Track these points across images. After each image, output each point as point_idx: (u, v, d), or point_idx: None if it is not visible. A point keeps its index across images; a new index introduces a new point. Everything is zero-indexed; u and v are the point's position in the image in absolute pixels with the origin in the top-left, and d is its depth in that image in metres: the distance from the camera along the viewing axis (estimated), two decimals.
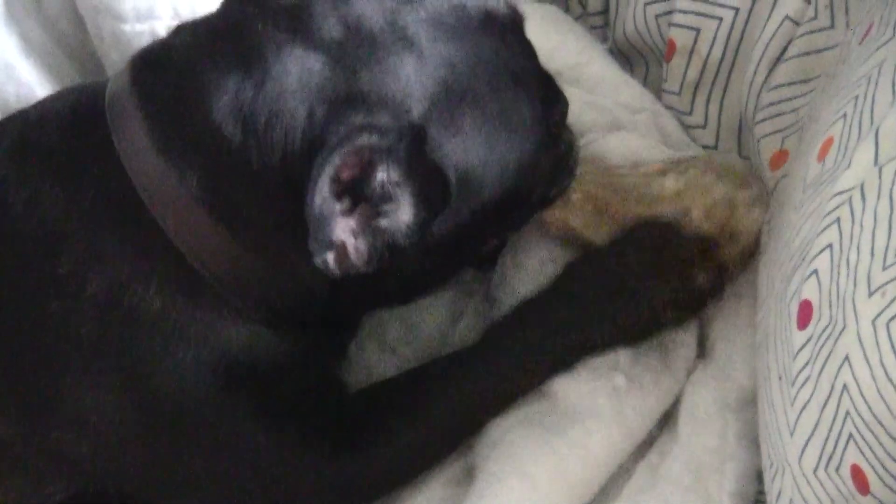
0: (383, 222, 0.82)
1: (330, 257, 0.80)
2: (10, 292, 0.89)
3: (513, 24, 0.92)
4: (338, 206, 0.79)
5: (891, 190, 0.74)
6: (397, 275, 0.90)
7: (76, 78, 1.18)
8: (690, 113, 1.17)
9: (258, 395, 0.92)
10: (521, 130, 0.89)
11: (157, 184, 0.85)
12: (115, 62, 1.14)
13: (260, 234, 0.86)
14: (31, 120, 0.93)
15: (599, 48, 1.25)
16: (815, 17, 1.02)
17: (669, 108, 1.20)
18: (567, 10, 1.31)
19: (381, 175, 0.80)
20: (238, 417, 0.91)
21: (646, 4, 1.17)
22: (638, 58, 1.25)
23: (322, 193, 0.77)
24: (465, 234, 0.90)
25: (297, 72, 0.82)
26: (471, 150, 0.85)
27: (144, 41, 1.08)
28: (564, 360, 1.01)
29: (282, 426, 0.93)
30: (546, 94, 0.93)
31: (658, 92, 1.22)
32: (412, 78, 0.83)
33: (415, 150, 0.81)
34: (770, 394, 0.85)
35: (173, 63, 0.87)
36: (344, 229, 0.80)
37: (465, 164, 0.85)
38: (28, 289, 0.88)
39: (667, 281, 1.01)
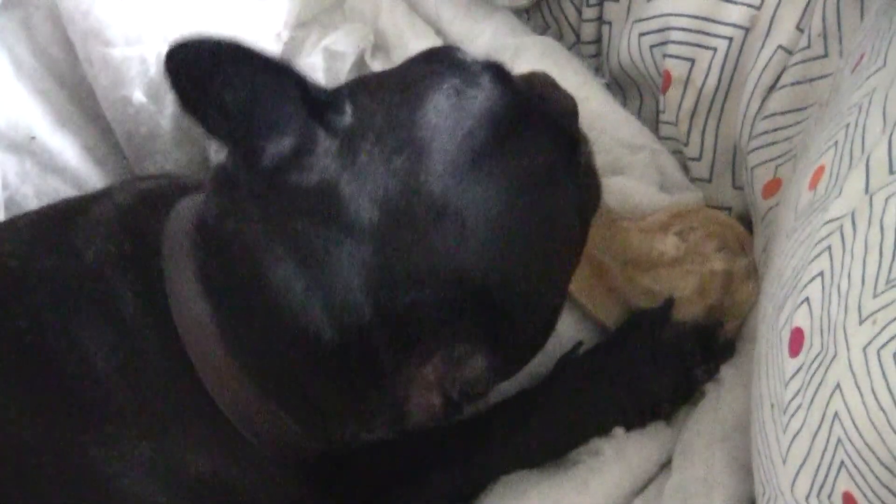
0: (459, 375, 0.83)
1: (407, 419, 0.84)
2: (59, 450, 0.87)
3: (520, 109, 0.92)
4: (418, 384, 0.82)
5: (881, 218, 0.75)
6: None
7: (66, 103, 1.19)
8: (687, 144, 1.18)
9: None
10: (566, 231, 0.92)
11: (217, 368, 0.86)
12: (105, 87, 1.14)
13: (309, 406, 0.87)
14: (86, 264, 0.90)
15: (598, 83, 1.25)
16: (809, 46, 1.03)
17: (668, 138, 1.20)
18: (561, 38, 1.31)
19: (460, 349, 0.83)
20: None
21: (640, 35, 1.17)
22: (633, 89, 1.25)
23: (416, 399, 0.82)
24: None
25: (350, 264, 0.82)
26: (532, 285, 0.87)
27: (134, 66, 1.09)
28: (559, 452, 1.05)
29: None
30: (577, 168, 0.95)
31: (654, 124, 1.22)
32: (458, 245, 0.83)
33: (484, 314, 0.83)
34: (762, 421, 0.85)
35: (229, 247, 0.86)
36: (420, 394, 0.83)
37: (531, 299, 0.88)
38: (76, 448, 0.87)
39: (666, 376, 1.04)
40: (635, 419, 1.04)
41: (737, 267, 1.07)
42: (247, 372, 0.85)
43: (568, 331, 1.09)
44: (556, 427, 1.04)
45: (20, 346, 0.87)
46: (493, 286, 0.84)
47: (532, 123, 0.91)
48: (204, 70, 0.80)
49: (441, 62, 0.92)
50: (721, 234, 1.07)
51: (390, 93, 0.88)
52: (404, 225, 0.82)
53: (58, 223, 0.95)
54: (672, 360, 1.04)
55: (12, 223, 1.01)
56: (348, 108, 0.86)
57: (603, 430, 1.04)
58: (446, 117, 0.86)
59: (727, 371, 1.06)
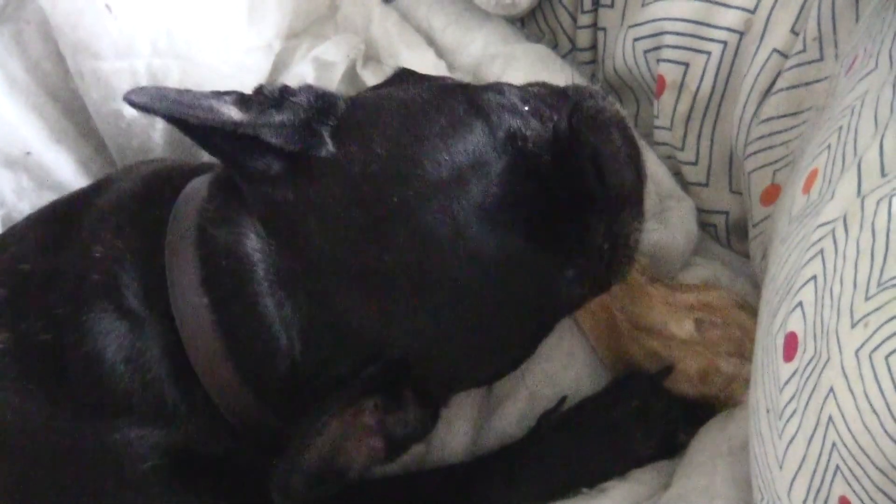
0: (391, 421, 0.87)
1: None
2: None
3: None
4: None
5: (873, 221, 0.74)
6: None
7: (59, 118, 1.19)
8: (682, 149, 1.17)
9: None
10: (536, 315, 0.91)
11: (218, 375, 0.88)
12: (96, 100, 1.15)
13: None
14: (96, 259, 0.92)
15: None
16: (804, 50, 1.02)
17: (662, 143, 1.20)
18: (556, 46, 1.31)
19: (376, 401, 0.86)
20: None
21: (634, 40, 1.17)
22: (628, 94, 1.25)
23: (320, 452, 0.83)
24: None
25: (289, 311, 0.86)
26: (465, 362, 0.90)
27: (124, 79, 1.09)
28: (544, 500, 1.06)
29: None
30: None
31: (649, 129, 1.22)
32: (384, 321, 0.85)
33: (404, 378, 0.86)
34: (759, 427, 0.85)
35: (223, 254, 0.88)
36: (360, 439, 0.86)
37: (460, 371, 0.91)
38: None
39: (651, 437, 1.06)
40: (617, 473, 1.06)
41: (743, 372, 1.06)
42: (236, 368, 0.87)
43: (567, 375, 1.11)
44: (540, 480, 1.06)
45: (38, 345, 0.90)
46: (415, 360, 0.86)
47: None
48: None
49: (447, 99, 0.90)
50: (739, 339, 1.06)
51: (382, 140, 0.87)
52: (343, 282, 0.85)
53: (64, 221, 0.97)
54: (660, 424, 1.06)
55: (15, 228, 1.03)
56: (329, 142, 0.87)
57: (586, 484, 1.05)
58: (441, 183, 0.84)
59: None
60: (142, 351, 0.89)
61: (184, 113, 0.84)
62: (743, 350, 1.05)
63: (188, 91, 0.86)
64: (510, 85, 0.93)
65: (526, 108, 0.89)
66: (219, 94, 0.87)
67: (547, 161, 0.86)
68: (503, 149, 0.85)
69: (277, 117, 0.86)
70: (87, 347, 0.89)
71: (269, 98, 0.87)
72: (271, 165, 0.87)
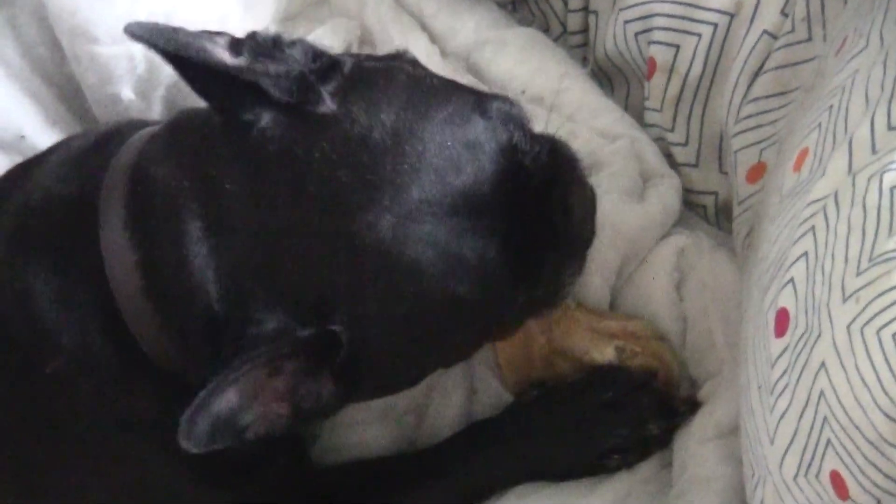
0: (303, 391, 0.83)
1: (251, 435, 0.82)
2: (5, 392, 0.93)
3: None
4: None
5: (864, 197, 0.75)
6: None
7: (54, 102, 1.20)
8: (672, 130, 1.18)
9: (232, 481, 0.97)
10: (470, 332, 0.90)
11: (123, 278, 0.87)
12: (93, 85, 1.15)
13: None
14: (33, 205, 0.94)
15: (580, 73, 1.26)
16: (793, 31, 1.03)
17: (653, 125, 1.20)
18: (547, 29, 1.32)
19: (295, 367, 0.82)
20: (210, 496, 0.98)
21: (625, 22, 1.17)
22: (619, 77, 1.26)
23: (230, 402, 0.78)
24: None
25: (215, 254, 0.84)
26: (395, 357, 0.87)
27: (121, 63, 1.09)
28: (512, 482, 1.06)
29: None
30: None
31: (641, 111, 1.22)
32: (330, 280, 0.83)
33: (333, 352, 0.83)
34: (750, 403, 0.86)
35: (158, 192, 0.87)
36: (269, 402, 0.82)
37: (386, 366, 0.87)
38: (23, 388, 0.92)
39: (620, 428, 1.05)
40: (583, 469, 1.06)
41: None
42: (157, 310, 0.86)
43: None
44: (503, 465, 1.06)
45: None
46: (351, 341, 0.83)
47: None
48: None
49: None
50: (656, 370, 1.07)
51: (388, 108, 0.85)
52: (303, 241, 0.82)
53: (18, 177, 0.99)
54: (631, 416, 1.05)
55: None
56: (328, 98, 0.85)
57: (552, 472, 1.06)
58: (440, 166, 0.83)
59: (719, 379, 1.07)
60: (75, 299, 0.89)
61: (183, 50, 0.82)
62: (659, 379, 1.07)
63: (181, 28, 0.83)
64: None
65: (530, 126, 0.89)
66: (210, 35, 0.84)
67: (535, 183, 0.87)
68: (501, 155, 0.85)
69: (273, 67, 0.84)
70: (26, 298, 0.89)
71: (262, 45, 0.85)
72: (261, 115, 0.84)
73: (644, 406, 1.05)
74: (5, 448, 0.96)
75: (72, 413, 0.92)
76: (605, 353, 1.06)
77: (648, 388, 1.06)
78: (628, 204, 1.12)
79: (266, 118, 0.84)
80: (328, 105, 0.84)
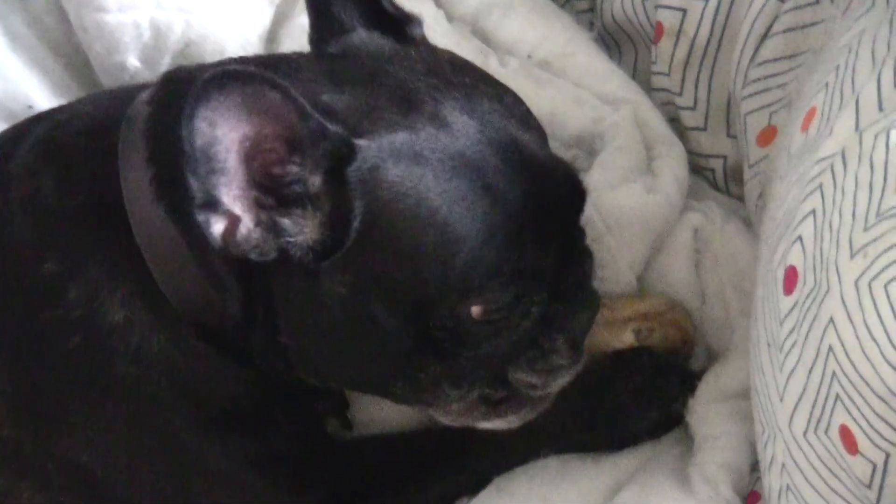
0: (286, 222, 0.81)
1: (218, 225, 0.79)
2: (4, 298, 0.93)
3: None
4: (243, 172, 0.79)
5: (871, 154, 0.75)
6: (308, 334, 0.88)
7: (61, 72, 1.20)
8: (681, 94, 1.18)
9: (240, 435, 0.96)
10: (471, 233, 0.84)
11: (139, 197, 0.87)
12: (100, 53, 1.15)
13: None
14: (61, 119, 0.96)
15: (586, 38, 1.26)
16: None
17: (661, 89, 1.20)
18: None
19: (297, 170, 0.80)
20: (226, 457, 0.96)
21: None
22: (626, 42, 1.26)
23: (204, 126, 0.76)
24: (360, 311, 0.85)
25: None
26: (393, 202, 0.82)
27: (128, 31, 1.09)
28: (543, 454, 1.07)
29: (274, 471, 0.98)
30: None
31: (648, 76, 1.22)
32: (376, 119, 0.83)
33: (338, 163, 0.81)
34: (760, 361, 0.86)
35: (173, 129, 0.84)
36: (244, 206, 0.80)
37: (380, 213, 0.82)
38: (19, 294, 0.92)
39: (651, 410, 1.06)
40: (615, 446, 1.07)
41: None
42: (178, 230, 0.86)
43: None
44: (539, 435, 1.05)
45: None
46: (363, 158, 0.81)
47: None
48: None
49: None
50: (675, 340, 1.08)
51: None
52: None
53: (14, 138, 0.98)
54: (656, 395, 1.06)
55: None
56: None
57: (581, 448, 1.07)
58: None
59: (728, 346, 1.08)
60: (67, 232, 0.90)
61: None
62: (679, 345, 1.09)
63: None
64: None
65: None
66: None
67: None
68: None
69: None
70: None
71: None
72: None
73: (671, 385, 1.06)
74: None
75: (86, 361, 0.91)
76: (624, 340, 1.07)
77: (672, 366, 1.07)
78: (652, 195, 1.12)
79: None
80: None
